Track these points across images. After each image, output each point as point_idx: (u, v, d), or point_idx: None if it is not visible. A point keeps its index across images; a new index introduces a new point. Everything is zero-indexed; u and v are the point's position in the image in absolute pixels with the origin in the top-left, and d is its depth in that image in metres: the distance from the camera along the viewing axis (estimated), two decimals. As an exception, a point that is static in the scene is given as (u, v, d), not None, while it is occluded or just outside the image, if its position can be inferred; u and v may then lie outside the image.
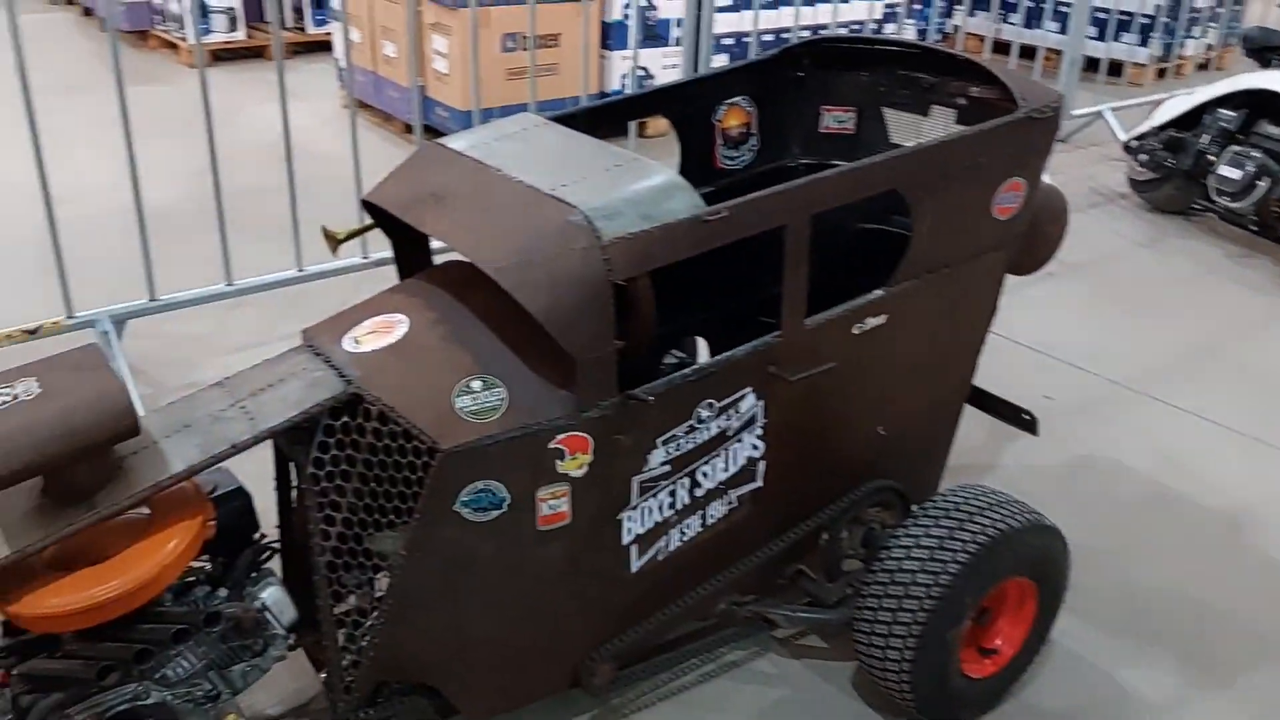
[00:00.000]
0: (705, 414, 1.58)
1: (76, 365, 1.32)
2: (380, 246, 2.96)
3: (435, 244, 1.75)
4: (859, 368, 1.74)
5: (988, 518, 1.68)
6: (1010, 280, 1.94)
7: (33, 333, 2.49)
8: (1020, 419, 2.10)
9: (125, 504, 1.30)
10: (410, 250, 1.80)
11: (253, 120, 4.76)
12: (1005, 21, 5.92)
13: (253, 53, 5.88)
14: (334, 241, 1.79)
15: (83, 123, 4.27)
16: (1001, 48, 5.40)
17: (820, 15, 4.85)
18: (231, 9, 5.77)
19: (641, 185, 1.50)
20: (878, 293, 1.72)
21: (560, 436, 1.44)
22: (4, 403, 1.25)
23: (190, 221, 3.25)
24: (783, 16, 4.67)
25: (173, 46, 5.87)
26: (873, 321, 1.73)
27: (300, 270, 2.88)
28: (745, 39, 4.55)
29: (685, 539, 1.64)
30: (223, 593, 1.47)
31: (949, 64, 2.00)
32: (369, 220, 1.77)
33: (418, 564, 1.42)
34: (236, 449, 1.37)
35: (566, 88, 4.23)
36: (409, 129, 4.61)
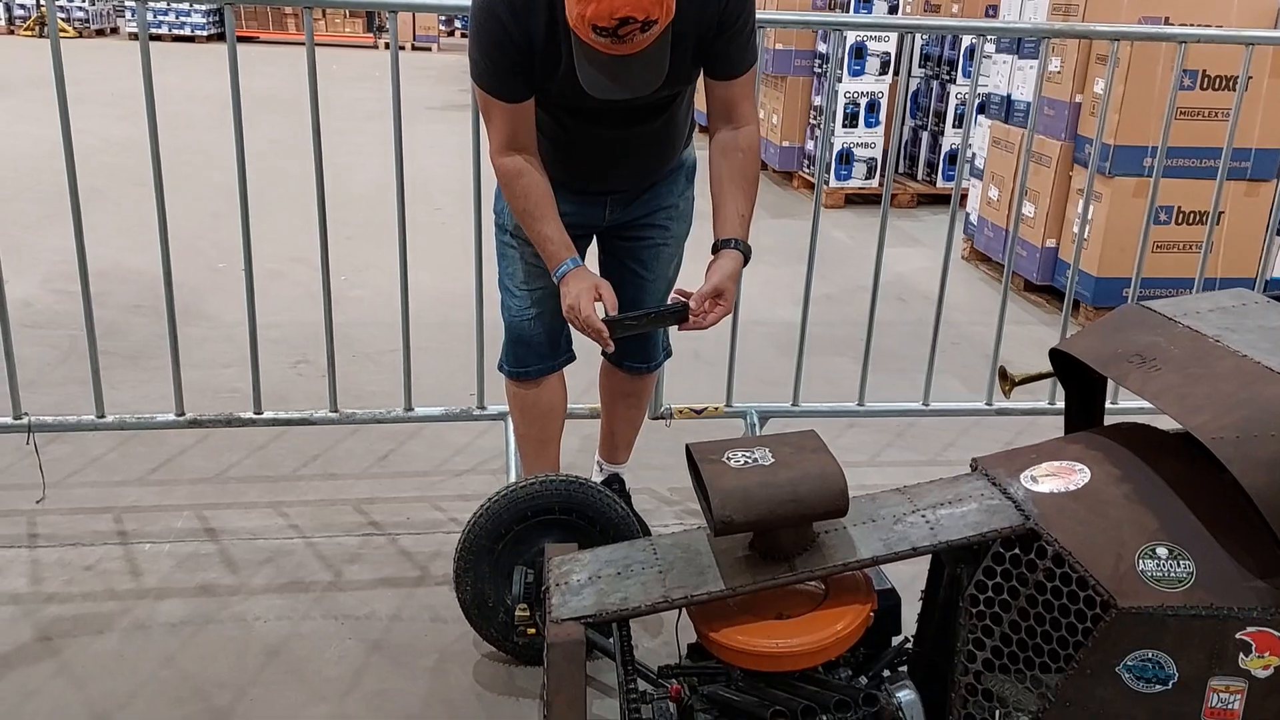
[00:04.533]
0: None
1: (801, 445, 1.54)
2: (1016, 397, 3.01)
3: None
4: None
5: None
6: None
7: (699, 413, 2.94)
8: None
9: (818, 574, 1.48)
10: (1082, 405, 1.82)
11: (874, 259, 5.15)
12: None
13: (884, 199, 6.39)
14: (1010, 383, 1.88)
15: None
16: None
17: None
18: (873, 159, 6.35)
19: (1400, 382, 1.36)
20: None
21: (1250, 630, 1.34)
22: (747, 463, 1.50)
23: (815, 341, 3.61)
24: None
25: (813, 188, 6.59)
26: None
27: (925, 404, 3.03)
28: None
29: (1373, 790, 1.41)
30: (863, 680, 1.59)
31: None
32: (1047, 368, 1.84)
33: (1065, 714, 1.41)
34: (916, 552, 1.49)
35: (1225, 268, 3.96)
36: (1029, 286, 4.64)
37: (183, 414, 2.76)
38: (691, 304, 1.98)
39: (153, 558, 2.49)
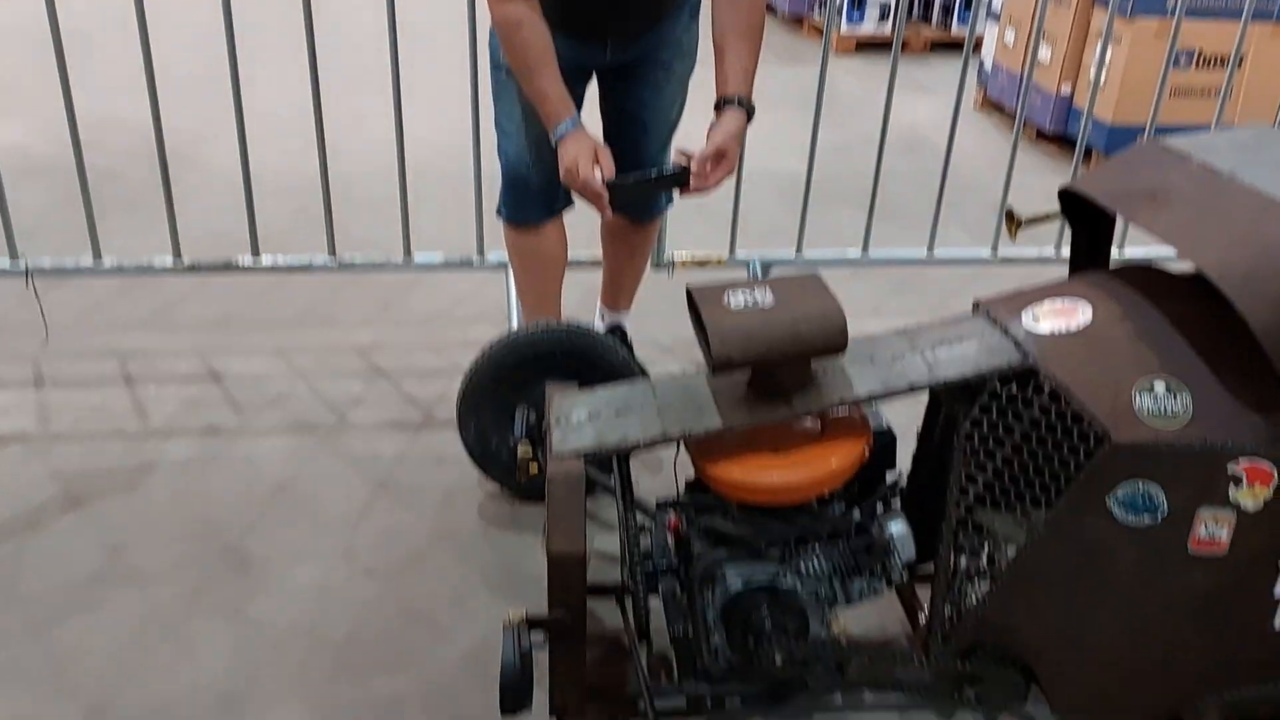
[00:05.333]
0: None
1: (803, 286, 1.53)
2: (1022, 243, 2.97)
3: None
4: None
5: None
6: None
7: (702, 264, 2.91)
8: None
9: (814, 410, 1.49)
10: (1088, 248, 1.79)
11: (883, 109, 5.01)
12: None
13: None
14: (1016, 224, 1.85)
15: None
16: None
17: None
18: (886, 3, 6.09)
19: None
20: None
21: (1243, 462, 1.36)
22: (748, 304, 1.49)
23: (822, 192, 3.54)
24: None
25: (823, 33, 6.35)
26: None
27: (929, 254, 3.00)
28: None
29: (1349, 616, 1.46)
30: (856, 514, 1.62)
31: None
32: (1055, 209, 1.80)
33: (1052, 545, 1.44)
34: (913, 388, 1.49)
35: (1246, 114, 3.84)
36: (1041, 135, 4.52)
37: (180, 258, 2.74)
38: (693, 166, 1.93)
39: (158, 400, 2.52)
